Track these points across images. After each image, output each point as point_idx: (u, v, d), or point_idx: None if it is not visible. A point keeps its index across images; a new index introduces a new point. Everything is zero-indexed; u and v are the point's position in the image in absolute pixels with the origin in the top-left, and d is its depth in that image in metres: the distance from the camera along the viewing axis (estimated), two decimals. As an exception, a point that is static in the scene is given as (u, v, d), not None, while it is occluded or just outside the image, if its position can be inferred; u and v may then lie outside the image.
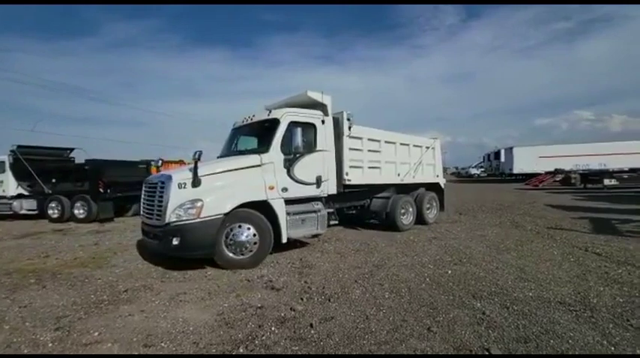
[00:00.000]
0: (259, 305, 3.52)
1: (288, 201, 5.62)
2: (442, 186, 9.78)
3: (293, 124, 5.77)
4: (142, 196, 5.57)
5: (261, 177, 5.34)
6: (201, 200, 4.69)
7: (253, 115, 6.45)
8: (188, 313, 3.38)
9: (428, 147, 9.43)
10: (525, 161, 29.24)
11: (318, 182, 6.05)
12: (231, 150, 6.62)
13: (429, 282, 4.11)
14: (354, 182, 6.85)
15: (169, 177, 4.89)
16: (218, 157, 6.52)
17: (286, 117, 5.80)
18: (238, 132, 6.78)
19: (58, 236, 8.32)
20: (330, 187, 6.33)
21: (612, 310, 3.16)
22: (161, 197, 4.87)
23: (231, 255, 4.90)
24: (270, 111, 6.04)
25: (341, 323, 3.06)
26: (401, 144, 8.49)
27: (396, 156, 8.30)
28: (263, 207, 5.26)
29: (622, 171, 18.98)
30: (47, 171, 11.61)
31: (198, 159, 4.82)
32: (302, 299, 3.67)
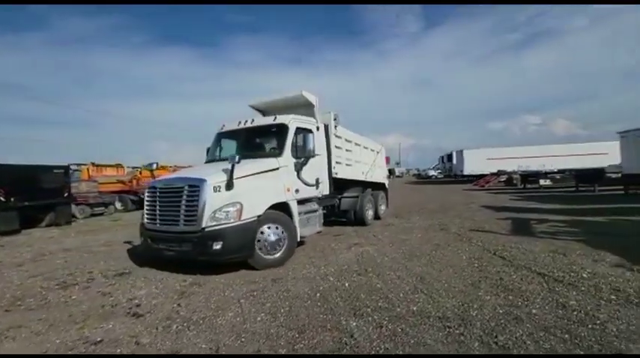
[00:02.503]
0: (99, 339, 2.96)
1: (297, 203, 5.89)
2: (386, 186, 11.21)
3: (298, 130, 6.13)
4: (153, 202, 5.13)
5: (281, 180, 5.57)
6: (240, 203, 4.72)
7: (252, 120, 6.60)
8: (0, 356, 2.75)
9: (378, 152, 10.71)
10: (475, 163, 30.59)
11: (317, 183, 6.49)
12: (218, 154, 6.63)
13: (316, 298, 3.76)
14: (340, 176, 7.50)
15: (202, 180, 4.73)
16: (206, 162, 6.62)
17: (293, 122, 6.11)
18: (232, 136, 6.76)
19: None
20: (324, 188, 6.85)
21: (486, 324, 2.96)
22: (192, 201, 4.70)
23: (263, 255, 4.98)
24: (275, 117, 6.29)
25: (181, 360, 2.59)
26: (364, 147, 9.49)
27: (361, 156, 9.20)
28: (282, 208, 5.44)
29: (553, 172, 20.28)
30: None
31: (238, 162, 4.84)
32: (158, 328, 3.15)
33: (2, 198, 9.28)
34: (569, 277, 4.09)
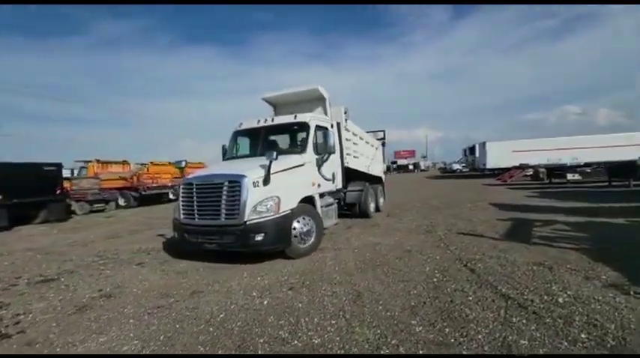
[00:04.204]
0: None
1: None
2: (383, 180, 11.57)
3: (318, 127, 6.37)
4: (190, 197, 5.21)
5: (307, 175, 5.91)
6: (278, 196, 4.95)
7: (272, 118, 6.78)
8: None
9: (377, 148, 11.03)
10: (499, 156, 28.40)
11: (334, 178, 6.84)
12: (236, 152, 6.81)
13: (215, 321, 3.16)
14: (350, 166, 7.82)
15: (243, 176, 4.89)
16: (224, 160, 6.77)
17: (313, 121, 6.35)
18: (250, 134, 6.89)
19: None
20: (338, 182, 7.21)
21: (389, 372, 2.25)
22: (233, 196, 4.87)
23: (298, 245, 5.26)
24: (295, 115, 6.44)
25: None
26: (366, 141, 9.75)
27: (364, 150, 9.47)
28: (307, 202, 5.66)
29: (581, 166, 18.32)
30: None
31: (276, 158, 5.07)
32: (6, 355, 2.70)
33: (-10, 196, 9.44)
34: (539, 302, 3.21)
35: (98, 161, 16.72)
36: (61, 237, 8.36)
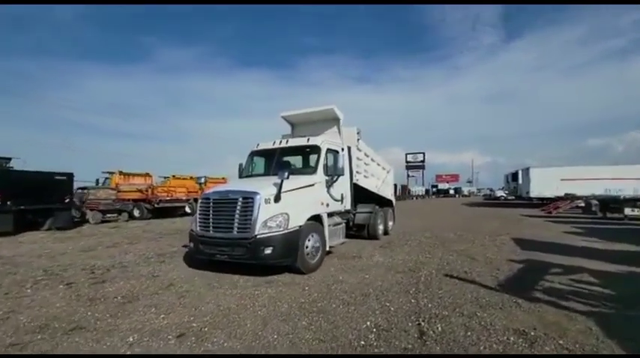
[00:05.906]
0: None
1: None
2: (393, 203, 11.41)
3: (329, 150, 6.66)
4: (206, 211, 5.48)
5: (316, 195, 6.14)
6: (287, 213, 5.20)
7: (287, 140, 7.11)
8: None
9: (388, 171, 10.98)
10: (544, 184, 25.65)
11: (342, 199, 7.07)
12: (251, 171, 7.12)
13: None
14: (360, 183, 8.06)
15: (256, 193, 5.16)
16: (241, 177, 7.09)
17: (324, 144, 6.64)
18: (265, 154, 7.20)
19: None
20: (347, 203, 7.41)
21: None
22: (246, 211, 5.13)
23: (309, 260, 5.49)
24: (308, 139, 6.81)
25: None
26: (377, 164, 9.87)
27: (375, 171, 9.63)
28: (315, 220, 5.88)
29: (639, 199, 15.48)
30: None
31: (287, 178, 5.32)
32: None
33: (-1, 201, 9.89)
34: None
35: (121, 172, 17.46)
36: (46, 246, 8.39)
